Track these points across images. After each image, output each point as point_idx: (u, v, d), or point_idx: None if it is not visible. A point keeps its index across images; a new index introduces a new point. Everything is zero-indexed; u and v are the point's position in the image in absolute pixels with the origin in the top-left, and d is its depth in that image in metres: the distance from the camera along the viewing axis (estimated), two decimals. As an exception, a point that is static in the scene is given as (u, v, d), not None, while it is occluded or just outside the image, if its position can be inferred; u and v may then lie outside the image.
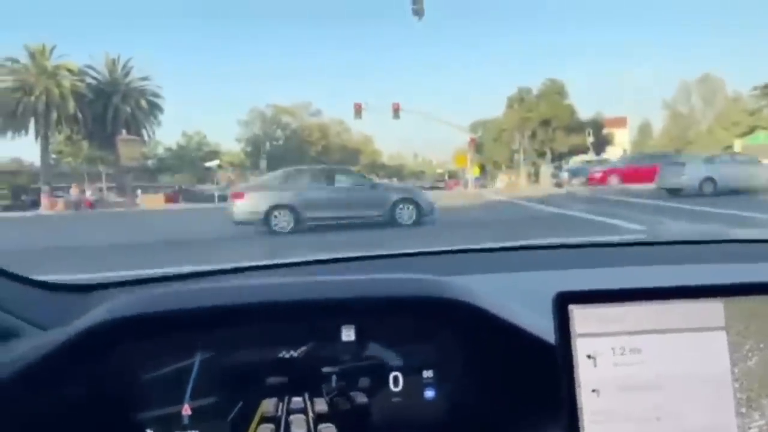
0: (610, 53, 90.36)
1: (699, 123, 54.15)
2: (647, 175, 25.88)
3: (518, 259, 1.50)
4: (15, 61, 41.21)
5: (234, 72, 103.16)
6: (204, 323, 0.87)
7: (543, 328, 0.77)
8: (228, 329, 0.87)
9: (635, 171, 26.46)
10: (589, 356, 0.66)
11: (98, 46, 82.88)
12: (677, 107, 56.67)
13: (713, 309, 0.67)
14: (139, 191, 41.01)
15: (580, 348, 0.66)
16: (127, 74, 47.75)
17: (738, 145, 39.73)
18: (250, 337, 0.87)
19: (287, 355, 0.86)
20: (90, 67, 45.73)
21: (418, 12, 15.49)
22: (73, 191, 32.67)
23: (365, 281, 0.96)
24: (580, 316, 0.67)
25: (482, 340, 0.87)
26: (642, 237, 7.22)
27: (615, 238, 7.09)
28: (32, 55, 41.43)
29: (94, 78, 46.08)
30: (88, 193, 34.53)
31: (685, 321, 0.66)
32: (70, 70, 42.33)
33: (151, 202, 36.85)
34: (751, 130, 41.71)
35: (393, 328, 0.88)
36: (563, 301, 0.68)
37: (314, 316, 0.88)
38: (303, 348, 0.87)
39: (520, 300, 0.93)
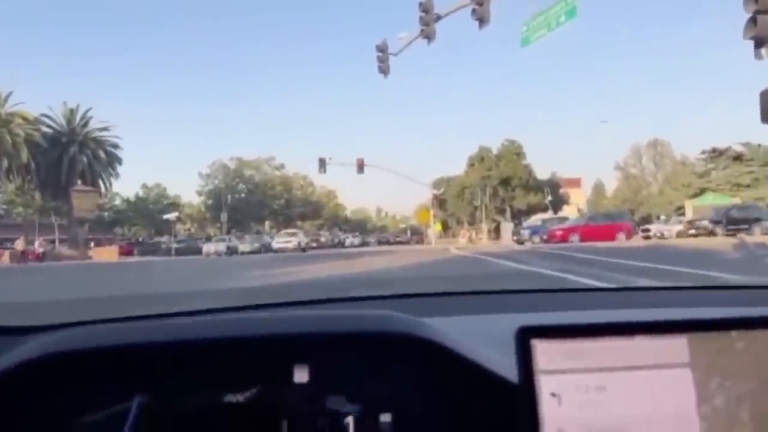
0: (567, 116, 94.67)
1: (650, 184, 56.52)
2: (606, 233, 26.57)
3: (482, 302, 1.45)
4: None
5: (197, 124, 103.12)
6: (142, 362, 0.78)
7: (506, 367, 0.74)
8: (169, 369, 0.79)
9: (594, 229, 27.12)
10: (553, 394, 0.63)
11: (57, 95, 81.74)
12: (629, 169, 59.24)
13: (678, 345, 0.65)
14: (92, 243, 39.49)
15: (544, 385, 0.63)
16: (85, 124, 46.76)
17: (689, 206, 41.40)
18: (193, 379, 0.79)
19: (233, 399, 0.79)
20: (46, 116, 44.70)
21: (384, 70, 15.72)
22: (19, 244, 31.15)
23: (319, 316, 0.89)
24: (544, 351, 0.63)
25: (442, 379, 0.81)
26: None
27: (581, 285, 7.06)
28: (-15, 102, 40.35)
29: (51, 127, 44.87)
30: (36, 245, 33.02)
31: (649, 357, 0.64)
32: (25, 119, 41.08)
33: (104, 254, 35.41)
34: (701, 192, 43.61)
35: (349, 368, 0.81)
36: (526, 335, 0.64)
37: (264, 355, 0.80)
38: (251, 391, 0.79)
39: (482, 340, 0.86)
